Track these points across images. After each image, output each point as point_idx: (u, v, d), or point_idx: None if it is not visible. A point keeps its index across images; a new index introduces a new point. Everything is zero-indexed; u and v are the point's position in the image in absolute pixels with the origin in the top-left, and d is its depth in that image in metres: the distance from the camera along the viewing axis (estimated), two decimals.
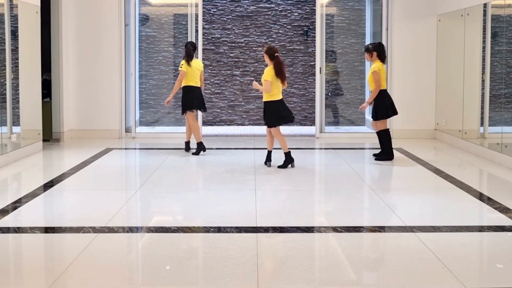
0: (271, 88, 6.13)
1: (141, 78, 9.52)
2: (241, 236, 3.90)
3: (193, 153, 7.22)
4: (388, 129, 6.79)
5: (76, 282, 3.13)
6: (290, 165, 6.23)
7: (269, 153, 6.37)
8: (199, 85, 7.16)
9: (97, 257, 3.48)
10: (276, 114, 6.21)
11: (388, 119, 6.84)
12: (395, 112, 6.72)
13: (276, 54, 6.15)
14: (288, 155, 6.23)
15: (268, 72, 6.16)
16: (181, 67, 7.05)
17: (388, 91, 8.70)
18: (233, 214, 4.44)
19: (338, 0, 9.57)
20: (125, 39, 8.72)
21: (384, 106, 6.57)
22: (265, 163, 6.37)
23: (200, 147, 7.19)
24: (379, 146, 6.83)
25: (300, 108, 10.52)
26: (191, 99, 7.09)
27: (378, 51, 6.60)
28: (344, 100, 9.55)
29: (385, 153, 6.65)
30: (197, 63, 7.21)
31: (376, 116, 6.62)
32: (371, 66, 6.68)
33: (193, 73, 7.06)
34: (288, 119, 6.31)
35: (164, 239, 3.87)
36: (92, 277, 3.18)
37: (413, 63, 8.60)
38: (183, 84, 7.09)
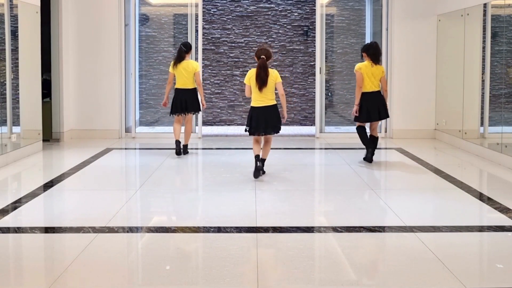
0: (248, 92, 5.69)
1: (141, 78, 9.52)
2: (241, 236, 3.90)
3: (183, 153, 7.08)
4: (361, 127, 6.52)
5: (76, 282, 3.13)
6: (254, 172, 5.63)
7: (259, 158, 5.77)
8: (187, 87, 6.89)
9: (97, 257, 3.48)
10: (248, 123, 5.69)
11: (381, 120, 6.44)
12: (371, 118, 6.36)
13: (262, 56, 5.54)
14: (260, 161, 5.68)
15: (249, 73, 5.67)
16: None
17: (388, 91, 8.75)
18: (233, 214, 4.44)
19: (338, 0, 9.57)
20: (125, 39, 8.73)
21: (360, 109, 6.33)
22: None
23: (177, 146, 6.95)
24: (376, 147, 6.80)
25: (300, 108, 10.52)
26: (173, 102, 6.98)
27: (366, 52, 6.40)
28: (344, 100, 9.55)
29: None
30: (187, 64, 6.90)
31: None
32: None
33: (180, 74, 6.90)
34: (256, 132, 5.65)
35: (164, 239, 3.88)
36: (92, 277, 3.18)
37: (413, 63, 8.61)
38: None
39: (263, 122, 5.62)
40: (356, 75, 6.39)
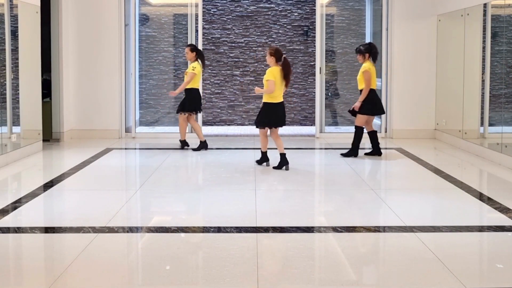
0: (274, 88, 6.02)
1: (141, 78, 9.52)
2: (241, 236, 3.91)
3: (193, 149, 7.43)
4: (363, 128, 6.90)
5: (76, 282, 3.13)
6: (284, 167, 6.12)
7: (264, 154, 6.32)
8: (188, 87, 7.38)
9: (97, 257, 3.48)
10: (268, 117, 6.14)
11: (381, 120, 7.05)
12: (381, 111, 7.07)
13: (284, 56, 6.13)
14: (283, 157, 6.13)
15: (273, 72, 6.04)
16: (193, 69, 7.25)
17: (388, 90, 8.77)
18: (233, 214, 4.44)
19: (338, 0, 9.57)
20: (125, 39, 8.72)
21: (370, 104, 6.72)
22: (260, 163, 6.35)
23: (203, 145, 7.44)
24: (376, 146, 6.92)
25: (300, 108, 10.52)
26: (198, 103, 7.44)
27: (370, 52, 6.77)
28: (344, 100, 9.55)
29: (352, 149, 6.90)
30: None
31: (360, 110, 6.74)
32: (362, 65, 6.79)
33: (200, 76, 7.49)
34: (277, 125, 6.22)
35: (164, 239, 3.87)
36: (92, 277, 3.18)
37: (413, 63, 8.60)
38: (192, 86, 7.30)
39: (281, 116, 6.20)
40: (365, 75, 6.66)
